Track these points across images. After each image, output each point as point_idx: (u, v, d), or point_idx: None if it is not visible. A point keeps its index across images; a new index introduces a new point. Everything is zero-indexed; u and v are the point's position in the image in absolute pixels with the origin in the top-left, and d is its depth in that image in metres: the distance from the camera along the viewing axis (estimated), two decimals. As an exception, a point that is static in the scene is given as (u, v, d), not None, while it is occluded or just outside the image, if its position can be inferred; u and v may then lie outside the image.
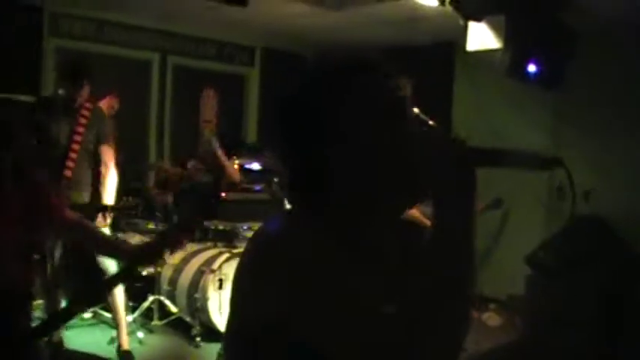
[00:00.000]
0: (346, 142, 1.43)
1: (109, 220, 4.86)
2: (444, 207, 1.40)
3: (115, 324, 5.21)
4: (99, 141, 5.00)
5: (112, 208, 4.93)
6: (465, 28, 5.67)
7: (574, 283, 5.78)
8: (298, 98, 1.51)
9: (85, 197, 4.99)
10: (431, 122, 5.51)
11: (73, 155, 4.86)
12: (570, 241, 6.08)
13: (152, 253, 2.73)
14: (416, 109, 4.85)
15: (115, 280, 3.10)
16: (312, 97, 1.48)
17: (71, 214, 2.87)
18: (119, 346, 5.16)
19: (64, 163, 4.81)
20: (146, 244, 2.81)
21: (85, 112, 4.93)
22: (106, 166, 5.00)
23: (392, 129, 1.45)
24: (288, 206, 4.47)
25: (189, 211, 2.85)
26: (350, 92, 1.46)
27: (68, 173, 4.84)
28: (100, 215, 4.77)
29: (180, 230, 2.79)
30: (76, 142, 4.86)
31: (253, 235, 1.54)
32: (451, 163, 1.38)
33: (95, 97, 5.54)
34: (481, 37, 5.65)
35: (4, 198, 2.60)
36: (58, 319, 2.69)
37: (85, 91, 4.95)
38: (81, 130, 4.89)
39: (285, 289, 1.34)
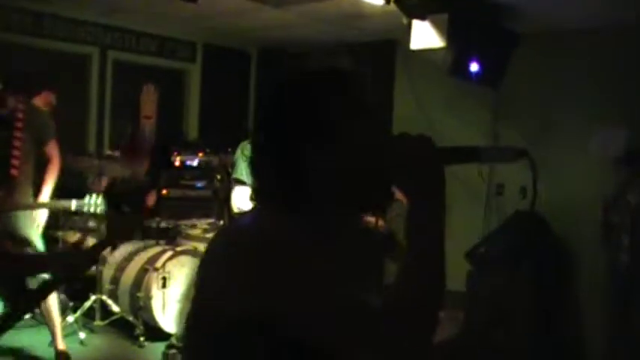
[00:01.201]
0: (329, 142, 1.44)
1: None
2: (415, 210, 1.43)
3: (49, 325, 5.09)
4: (41, 139, 4.92)
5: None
6: (409, 26, 5.72)
7: (512, 278, 5.91)
8: (280, 102, 1.53)
9: (30, 197, 4.90)
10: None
11: (17, 155, 4.76)
12: (509, 236, 6.21)
13: (76, 265, 2.70)
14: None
15: (48, 288, 3.03)
16: (296, 99, 1.51)
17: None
18: (55, 347, 5.08)
19: (3, 170, 4.71)
20: (61, 254, 2.77)
21: (20, 115, 4.83)
22: (51, 161, 4.96)
23: (369, 128, 1.48)
24: (241, 204, 4.47)
25: (114, 224, 2.80)
26: (332, 93, 1.48)
27: (14, 172, 4.74)
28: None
29: (95, 249, 2.77)
30: (17, 148, 4.76)
31: (227, 234, 1.55)
32: (424, 162, 1.41)
33: (29, 94, 5.44)
34: (424, 35, 5.71)
35: None
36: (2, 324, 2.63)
37: (11, 97, 4.84)
38: (18, 134, 4.78)
39: (279, 284, 1.35)
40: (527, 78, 6.43)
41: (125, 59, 8.22)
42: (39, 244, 4.95)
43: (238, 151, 5.15)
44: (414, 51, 5.86)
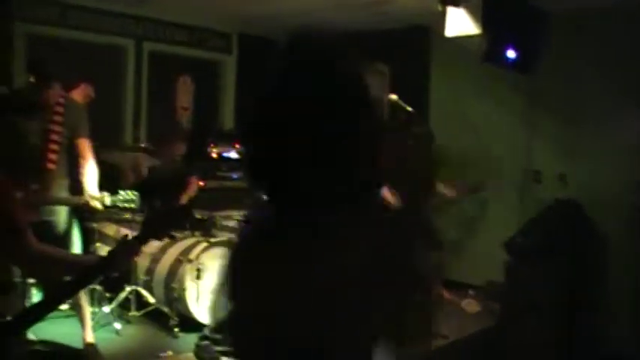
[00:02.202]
0: (324, 133, 1.39)
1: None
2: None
3: (79, 317, 5.10)
4: (74, 134, 4.90)
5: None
6: (443, 13, 5.63)
7: (550, 268, 5.80)
8: (276, 91, 1.47)
9: (64, 190, 4.90)
10: (409, 108, 5.51)
11: (54, 149, 4.76)
12: (548, 225, 6.09)
13: (112, 265, 2.68)
14: (394, 96, 4.81)
15: (70, 287, 3.02)
16: (292, 88, 1.48)
17: (34, 242, 2.80)
18: (83, 339, 5.08)
19: (36, 162, 4.71)
20: (105, 257, 2.74)
21: (59, 109, 4.83)
22: (84, 158, 4.91)
23: (363, 117, 1.43)
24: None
25: (155, 218, 2.81)
26: (329, 82, 1.43)
27: (51, 166, 4.74)
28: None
29: (140, 241, 2.74)
30: (54, 141, 4.76)
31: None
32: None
33: (67, 87, 5.46)
34: (459, 22, 5.62)
35: None
36: (33, 315, 2.62)
37: (55, 89, 4.85)
38: (56, 127, 4.79)
39: None
40: (561, 61, 6.30)
41: (161, 50, 8.25)
42: (76, 239, 5.00)
43: None
44: (448, 38, 5.77)
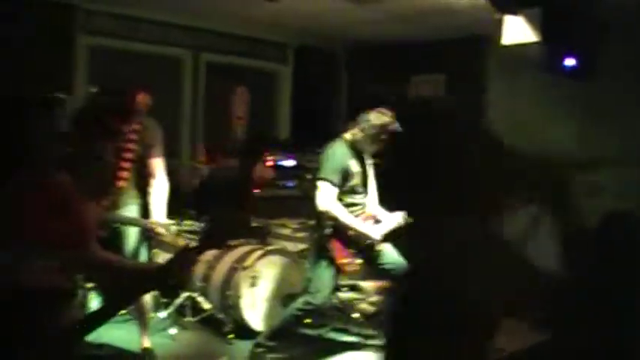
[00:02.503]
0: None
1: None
2: None
3: (138, 322, 5.18)
4: (148, 154, 4.94)
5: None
6: (500, 21, 5.58)
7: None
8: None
9: (134, 211, 4.96)
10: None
11: (126, 167, 4.82)
12: (604, 237, 5.97)
13: (172, 273, 2.72)
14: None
15: (132, 294, 3.06)
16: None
17: (98, 248, 2.85)
18: (141, 343, 5.15)
19: (109, 178, 4.76)
20: (165, 265, 2.78)
21: (137, 127, 4.85)
22: (154, 177, 4.97)
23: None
24: (325, 203, 4.44)
25: (215, 228, 2.84)
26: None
27: (122, 183, 4.80)
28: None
29: (199, 251, 2.77)
30: (127, 160, 4.81)
31: None
32: None
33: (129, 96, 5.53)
34: (517, 30, 5.56)
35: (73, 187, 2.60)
36: (95, 320, 2.66)
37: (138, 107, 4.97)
38: (131, 146, 4.82)
39: None
40: (620, 70, 6.18)
41: (217, 61, 8.34)
42: (142, 253, 5.06)
43: (326, 151, 5.14)
44: (505, 47, 5.71)
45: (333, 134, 5.28)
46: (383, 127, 5.02)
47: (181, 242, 6.14)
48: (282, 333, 5.25)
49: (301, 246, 6.48)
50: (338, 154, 5.06)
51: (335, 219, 4.97)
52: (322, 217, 5.04)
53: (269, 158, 7.23)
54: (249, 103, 8.72)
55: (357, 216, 5.10)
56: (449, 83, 8.32)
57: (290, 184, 7.32)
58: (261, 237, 6.37)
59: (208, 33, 8.18)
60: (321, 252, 5.10)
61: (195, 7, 7.23)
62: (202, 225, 6.13)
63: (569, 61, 5.57)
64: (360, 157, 5.17)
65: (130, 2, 7.19)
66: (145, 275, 2.77)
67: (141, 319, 5.16)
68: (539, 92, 7.05)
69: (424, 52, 8.20)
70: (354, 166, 5.09)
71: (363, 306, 6.71)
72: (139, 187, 4.98)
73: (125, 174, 4.81)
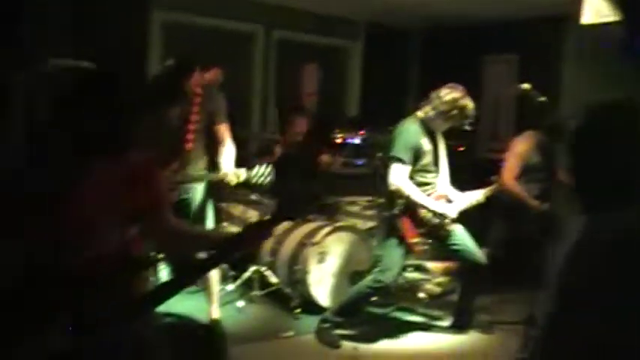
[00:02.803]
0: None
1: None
2: None
3: (206, 293, 5.26)
4: (213, 121, 5.02)
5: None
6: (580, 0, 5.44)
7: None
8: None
9: (201, 169, 5.07)
10: (542, 98, 5.35)
11: (191, 130, 4.93)
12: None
13: (244, 244, 2.72)
14: (527, 85, 4.67)
15: (205, 266, 3.08)
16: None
17: (172, 218, 2.88)
18: (209, 314, 5.23)
19: (177, 143, 4.88)
20: (237, 235, 2.78)
21: (197, 98, 4.98)
22: (222, 142, 5.01)
23: None
24: (398, 181, 4.41)
25: (290, 200, 2.82)
26: None
27: (189, 146, 4.92)
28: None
29: (272, 223, 2.76)
30: (192, 122, 4.93)
31: None
32: None
33: (201, 71, 5.59)
34: (597, 9, 5.41)
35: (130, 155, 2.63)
36: (168, 291, 2.69)
37: (195, 78, 5.00)
38: (195, 113, 4.95)
39: None
40: None
41: (288, 37, 8.34)
42: (210, 217, 5.15)
43: (398, 129, 5.10)
44: (583, 26, 5.56)
45: (403, 112, 5.24)
46: (454, 103, 4.96)
47: (251, 215, 6.21)
48: (350, 310, 5.26)
49: (370, 223, 6.46)
50: (410, 132, 5.02)
51: (407, 197, 4.94)
52: (394, 196, 5.01)
53: (338, 135, 7.20)
54: (319, 79, 8.71)
55: (428, 195, 5.06)
56: (522, 64, 8.16)
57: (359, 161, 7.30)
58: (331, 213, 6.38)
59: (280, 9, 8.18)
60: (391, 230, 5.08)
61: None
62: (271, 200, 6.18)
63: (654, 42, 5.39)
64: (432, 136, 5.12)
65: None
66: (218, 246, 2.79)
67: (208, 290, 5.25)
68: (619, 75, 6.86)
69: (498, 32, 8.05)
70: (426, 144, 5.04)
71: (429, 286, 6.68)
72: (208, 154, 5.07)
73: (192, 137, 4.92)
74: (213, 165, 5.05)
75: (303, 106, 8.39)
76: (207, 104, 5.01)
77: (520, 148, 6.28)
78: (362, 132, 7.29)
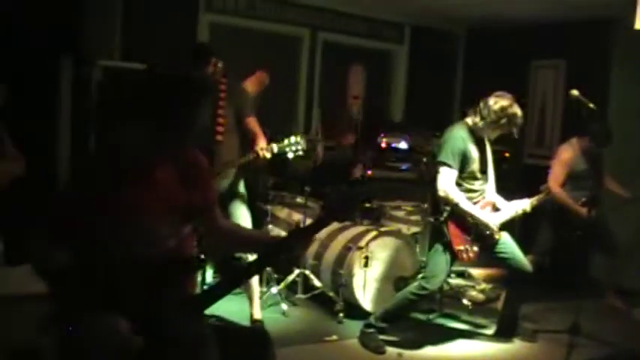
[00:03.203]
0: None
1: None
2: None
3: (247, 294, 5.31)
4: (240, 116, 5.11)
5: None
6: (634, 3, 5.35)
7: None
8: None
9: (234, 154, 5.15)
10: (591, 105, 5.30)
11: (221, 122, 5.02)
12: None
13: (290, 247, 2.75)
14: (575, 91, 4.65)
15: (252, 269, 3.12)
16: None
17: (221, 216, 2.93)
18: (251, 315, 5.28)
19: (208, 140, 4.93)
20: (283, 239, 2.82)
21: (222, 87, 5.07)
22: (257, 134, 5.08)
23: None
24: (447, 187, 4.42)
25: (337, 200, 2.85)
26: None
27: (219, 137, 5.02)
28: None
29: (318, 226, 2.79)
30: (220, 116, 5.02)
31: None
32: None
33: (236, 75, 5.66)
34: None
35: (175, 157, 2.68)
36: (216, 292, 2.73)
37: (218, 69, 5.08)
38: (222, 104, 5.03)
39: None
40: None
41: (334, 40, 8.37)
42: (242, 212, 5.17)
43: (446, 135, 5.09)
44: (635, 30, 5.48)
45: (448, 117, 5.23)
46: (503, 112, 4.93)
47: (296, 217, 6.24)
48: (394, 316, 5.26)
49: (414, 229, 6.45)
50: (458, 137, 5.00)
51: (454, 203, 4.93)
52: (440, 201, 5.01)
53: (383, 140, 7.21)
54: (365, 82, 8.72)
55: (475, 203, 5.04)
56: (570, 69, 8.08)
57: (404, 166, 7.29)
58: (375, 218, 6.38)
59: (326, 12, 8.21)
60: (437, 237, 5.07)
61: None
62: (314, 202, 6.21)
63: None
64: (480, 143, 5.10)
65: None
66: (266, 248, 2.82)
67: (248, 291, 5.29)
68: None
69: (546, 36, 7.98)
70: (474, 151, 5.02)
71: (473, 293, 6.64)
72: (239, 149, 5.15)
73: (221, 129, 5.02)
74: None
75: (348, 109, 8.42)
76: (233, 100, 5.10)
77: (566, 155, 6.24)
78: (406, 137, 7.28)
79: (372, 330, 5.20)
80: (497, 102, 4.94)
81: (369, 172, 7.09)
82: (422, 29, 8.91)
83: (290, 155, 4.96)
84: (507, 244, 5.15)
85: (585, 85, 5.90)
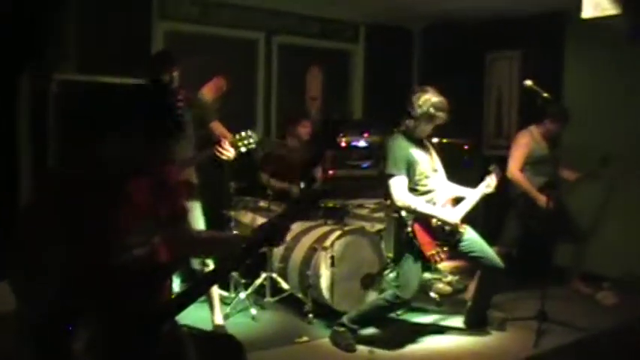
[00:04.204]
0: None
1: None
2: None
3: (208, 300, 5.29)
4: (203, 123, 5.14)
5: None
6: (580, -6, 5.45)
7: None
8: None
9: (194, 177, 5.14)
10: (545, 94, 5.38)
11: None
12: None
13: (253, 248, 2.76)
14: (530, 82, 4.74)
15: (225, 271, 3.11)
16: None
17: (190, 224, 2.93)
18: (212, 321, 5.28)
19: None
20: (248, 239, 2.82)
21: (180, 98, 4.99)
22: (222, 134, 5.10)
23: None
24: (400, 195, 4.43)
25: (301, 198, 2.86)
26: None
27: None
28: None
29: (291, 218, 2.79)
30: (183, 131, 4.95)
31: None
32: None
33: (201, 81, 5.65)
34: (597, 3, 5.42)
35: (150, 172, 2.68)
36: (187, 298, 2.74)
37: (174, 78, 5.06)
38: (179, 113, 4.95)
39: None
40: None
41: (290, 42, 8.37)
42: (198, 220, 5.10)
43: (387, 147, 5.19)
44: (585, 21, 5.57)
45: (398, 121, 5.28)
46: (427, 102, 5.02)
47: (260, 222, 6.23)
48: (367, 320, 5.30)
49: (378, 226, 6.49)
50: (397, 146, 5.10)
51: (412, 209, 4.98)
52: (401, 212, 5.07)
53: (343, 139, 7.23)
54: (322, 83, 8.73)
55: (434, 203, 5.10)
56: (524, 60, 8.18)
57: (365, 164, 7.32)
58: (340, 217, 6.40)
59: (280, 15, 8.20)
60: (406, 247, 5.10)
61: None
62: (279, 207, 6.21)
63: (654, 34, 5.40)
64: (421, 145, 5.21)
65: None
66: (237, 249, 2.82)
67: (209, 297, 5.27)
68: (622, 66, 6.90)
69: (499, 29, 8.07)
70: (417, 154, 5.11)
71: (440, 286, 6.71)
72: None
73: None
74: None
75: (307, 110, 8.44)
76: (191, 111, 4.97)
77: (523, 140, 6.35)
78: (367, 134, 7.31)
79: (343, 329, 5.22)
80: (420, 96, 5.04)
81: (331, 172, 7.13)
82: (377, 27, 8.94)
83: (243, 149, 4.93)
84: (474, 240, 5.23)
85: (540, 75, 6.01)
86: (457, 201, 5.24)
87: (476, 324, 5.60)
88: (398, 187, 4.98)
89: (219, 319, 5.32)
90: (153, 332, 2.52)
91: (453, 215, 5.11)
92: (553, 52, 7.74)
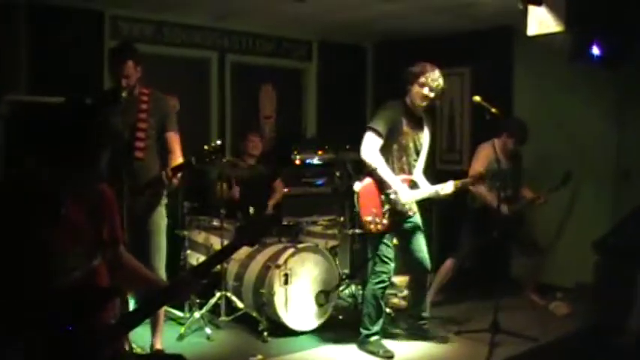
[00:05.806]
0: None
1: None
2: None
3: (151, 322, 5.10)
4: (164, 128, 4.86)
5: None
6: (525, 12, 5.55)
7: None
8: None
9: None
10: (493, 110, 5.47)
11: (141, 137, 4.73)
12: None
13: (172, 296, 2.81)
14: (478, 97, 4.84)
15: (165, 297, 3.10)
16: None
17: (125, 252, 2.94)
18: (152, 345, 5.11)
19: (129, 154, 4.66)
20: (170, 286, 2.85)
21: (144, 98, 4.81)
22: (174, 152, 4.85)
23: None
24: (369, 153, 4.55)
25: (249, 226, 2.89)
26: None
27: (139, 154, 4.73)
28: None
29: (234, 248, 2.83)
30: (141, 129, 4.74)
31: None
32: None
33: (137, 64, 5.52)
34: (541, 21, 5.52)
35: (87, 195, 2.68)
36: (133, 319, 2.74)
37: (137, 72, 4.84)
38: (143, 116, 4.75)
39: None
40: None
41: (243, 61, 8.39)
42: (161, 237, 4.92)
43: (383, 106, 5.40)
44: (531, 37, 5.68)
45: (361, 128, 5.34)
46: (420, 69, 5.39)
47: (213, 241, 6.22)
48: (377, 313, 5.41)
49: (332, 242, 6.52)
50: (391, 108, 5.32)
51: (373, 168, 5.10)
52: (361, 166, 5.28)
53: (297, 157, 7.26)
54: (276, 101, 8.77)
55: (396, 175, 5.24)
56: (474, 76, 8.29)
57: (319, 181, 7.36)
58: (293, 235, 6.42)
59: (233, 34, 8.23)
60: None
61: (219, 9, 7.26)
62: (233, 225, 6.21)
63: (595, 50, 5.52)
64: (416, 121, 5.38)
65: (154, 7, 7.24)
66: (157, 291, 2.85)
67: (153, 319, 5.08)
68: (570, 81, 7.03)
69: (450, 45, 8.18)
70: (406, 125, 5.27)
71: (395, 300, 6.75)
72: (161, 166, 4.84)
73: (141, 145, 4.73)
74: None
75: (260, 128, 8.45)
76: (156, 111, 4.83)
77: (484, 153, 6.43)
78: (321, 152, 7.35)
79: (376, 337, 5.36)
80: (415, 67, 5.42)
81: (287, 190, 7.16)
82: (329, 45, 9.02)
83: (207, 159, 4.72)
84: (418, 237, 5.39)
85: (490, 90, 6.11)
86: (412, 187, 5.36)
87: (416, 327, 5.71)
88: (370, 142, 5.14)
89: (158, 344, 5.12)
90: (92, 355, 2.51)
91: (407, 194, 5.18)
92: (503, 67, 7.87)
